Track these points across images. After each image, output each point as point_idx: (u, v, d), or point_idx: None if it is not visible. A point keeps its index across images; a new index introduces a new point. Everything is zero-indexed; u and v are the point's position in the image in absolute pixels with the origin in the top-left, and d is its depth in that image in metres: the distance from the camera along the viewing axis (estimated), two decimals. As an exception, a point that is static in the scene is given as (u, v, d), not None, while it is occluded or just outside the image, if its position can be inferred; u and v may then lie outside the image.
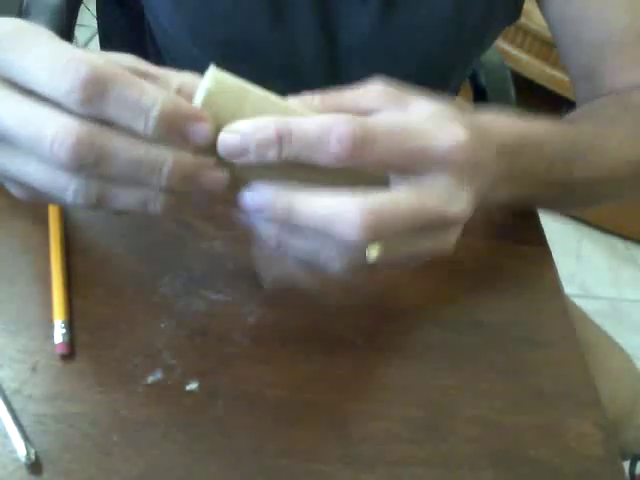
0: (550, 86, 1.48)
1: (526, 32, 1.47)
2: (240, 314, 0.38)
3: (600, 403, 0.40)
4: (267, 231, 0.32)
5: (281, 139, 0.29)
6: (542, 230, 0.51)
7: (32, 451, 0.30)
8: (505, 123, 0.40)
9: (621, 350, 0.67)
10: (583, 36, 0.54)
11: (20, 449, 0.30)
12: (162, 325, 0.37)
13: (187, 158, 0.29)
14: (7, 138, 0.29)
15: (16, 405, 0.32)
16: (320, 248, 0.31)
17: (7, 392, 0.32)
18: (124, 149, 0.28)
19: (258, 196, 0.30)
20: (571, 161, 0.44)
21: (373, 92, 0.33)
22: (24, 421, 0.31)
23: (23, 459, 0.30)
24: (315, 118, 0.29)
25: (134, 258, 0.40)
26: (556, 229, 1.69)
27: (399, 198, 0.30)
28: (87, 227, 0.40)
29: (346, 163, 0.29)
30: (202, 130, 0.29)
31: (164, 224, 0.42)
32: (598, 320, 0.67)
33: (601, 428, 0.38)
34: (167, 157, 0.28)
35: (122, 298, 0.37)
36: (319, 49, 0.56)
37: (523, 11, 0.61)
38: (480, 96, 0.79)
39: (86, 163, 0.27)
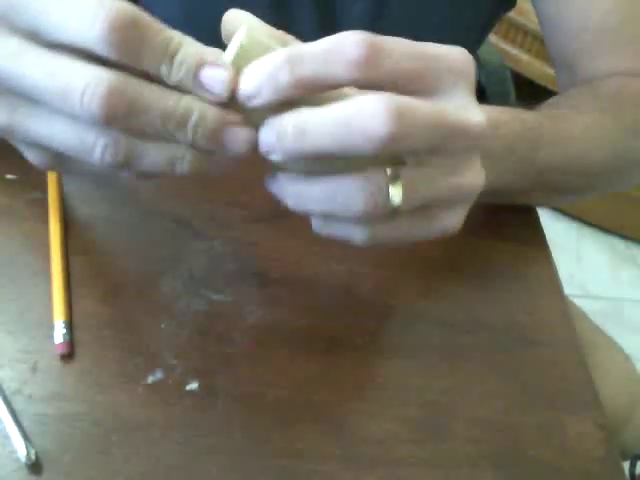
0: (550, 86, 1.48)
1: (526, 32, 1.47)
2: (240, 314, 0.38)
3: (600, 403, 0.40)
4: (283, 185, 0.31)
5: (291, 60, 0.27)
6: (542, 230, 0.51)
7: (32, 451, 0.30)
8: None
9: (621, 350, 0.67)
10: (565, 20, 0.54)
11: (20, 449, 0.30)
12: (162, 325, 0.37)
13: (212, 111, 0.28)
14: (30, 95, 0.27)
15: (16, 405, 0.32)
16: (338, 190, 0.30)
17: (7, 392, 0.32)
18: (156, 100, 0.27)
19: (269, 129, 0.28)
20: (535, 146, 0.44)
21: None
22: (24, 421, 0.31)
23: (23, 459, 0.30)
24: (322, 41, 0.28)
25: (134, 258, 0.40)
26: (556, 229, 1.70)
27: (421, 103, 0.28)
28: (87, 227, 0.40)
29: (363, 74, 0.27)
30: (221, 78, 0.27)
31: (164, 224, 0.42)
32: (598, 320, 0.67)
33: (601, 428, 0.38)
34: (194, 110, 0.28)
35: (122, 298, 0.37)
36: (319, 38, 0.56)
37: (523, 11, 0.62)
38: (480, 96, 0.79)
39: (118, 115, 0.26)
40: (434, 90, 0.29)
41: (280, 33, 0.33)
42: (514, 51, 1.51)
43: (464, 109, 0.30)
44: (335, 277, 0.42)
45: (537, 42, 1.48)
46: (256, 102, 0.28)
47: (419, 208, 0.31)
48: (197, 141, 0.28)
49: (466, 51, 0.30)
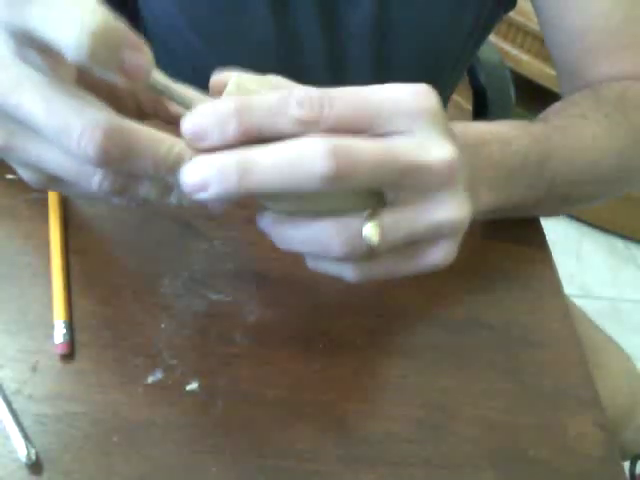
0: (550, 86, 1.48)
1: (526, 32, 1.47)
2: (240, 314, 0.38)
3: (600, 403, 0.40)
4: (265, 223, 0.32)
5: (240, 111, 0.28)
6: (542, 230, 0.51)
7: (32, 451, 0.30)
8: (462, 125, 0.39)
9: (621, 350, 0.67)
10: (565, 21, 0.54)
11: (20, 449, 0.30)
12: (162, 325, 0.37)
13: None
14: (28, 126, 0.28)
15: (16, 405, 0.32)
16: (317, 233, 0.31)
17: (7, 392, 0.32)
18: (149, 147, 0.28)
19: (199, 168, 0.28)
20: (545, 160, 0.43)
21: None
22: (24, 421, 0.31)
23: (23, 459, 0.30)
24: (274, 93, 0.29)
25: (134, 258, 0.40)
26: (556, 229, 1.70)
27: (364, 142, 0.29)
28: (87, 227, 0.40)
29: (307, 128, 0.28)
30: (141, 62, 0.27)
31: (164, 224, 0.42)
32: (598, 320, 0.67)
33: (601, 428, 0.38)
34: (185, 157, 0.29)
35: (122, 298, 0.37)
36: (320, 39, 0.56)
37: (523, 11, 0.62)
38: (480, 96, 0.79)
39: (112, 160, 0.27)
40: (386, 133, 0.30)
41: (276, 81, 0.33)
42: (514, 51, 1.51)
43: (422, 146, 0.30)
44: (335, 277, 0.42)
45: (537, 42, 1.48)
46: (203, 145, 0.29)
47: (401, 246, 0.32)
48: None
49: (427, 87, 0.30)
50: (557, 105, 0.51)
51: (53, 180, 0.31)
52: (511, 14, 0.66)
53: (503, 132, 0.42)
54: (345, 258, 0.31)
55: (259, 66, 0.34)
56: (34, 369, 0.33)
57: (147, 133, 0.28)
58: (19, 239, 0.39)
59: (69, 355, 0.34)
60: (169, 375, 0.35)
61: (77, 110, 0.27)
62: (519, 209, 0.45)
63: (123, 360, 0.35)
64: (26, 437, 0.31)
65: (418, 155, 0.30)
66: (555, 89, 1.48)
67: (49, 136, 0.27)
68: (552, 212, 0.52)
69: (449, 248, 0.33)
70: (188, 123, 0.28)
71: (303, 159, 0.28)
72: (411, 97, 0.30)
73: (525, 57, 1.51)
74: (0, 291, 0.36)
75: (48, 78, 0.27)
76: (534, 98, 1.42)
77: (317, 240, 0.31)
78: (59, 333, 0.34)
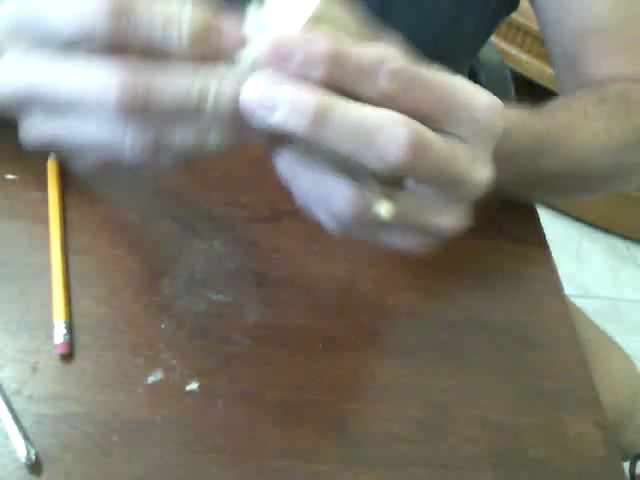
0: (550, 86, 1.48)
1: (526, 32, 1.47)
2: (240, 314, 0.38)
3: (600, 403, 0.40)
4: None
5: (333, 59, 0.26)
6: (542, 230, 0.51)
7: (32, 451, 0.30)
8: None
9: (621, 350, 0.67)
10: (565, 21, 0.54)
11: (20, 449, 0.30)
12: (162, 325, 0.37)
13: (229, 84, 0.27)
14: (57, 105, 0.28)
15: (16, 405, 0.32)
16: (327, 187, 0.29)
17: (7, 392, 0.32)
18: (170, 85, 0.27)
19: (274, 88, 0.26)
20: (538, 152, 0.44)
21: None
22: (24, 421, 0.31)
23: (23, 459, 0.30)
24: (370, 50, 0.26)
25: (134, 258, 0.40)
26: (556, 229, 1.70)
27: (441, 142, 0.28)
28: (87, 227, 0.40)
29: (389, 100, 0.27)
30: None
31: (164, 224, 0.42)
32: (598, 320, 0.67)
33: (601, 428, 0.38)
34: (211, 87, 0.27)
35: (122, 298, 0.37)
36: None
37: (523, 11, 0.62)
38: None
39: (136, 108, 0.26)
40: (451, 133, 0.29)
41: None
42: (514, 51, 1.51)
43: (474, 161, 0.29)
44: (335, 277, 0.42)
45: (537, 42, 1.48)
46: (276, 69, 0.26)
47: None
48: (220, 117, 0.27)
49: (501, 106, 0.29)
50: (561, 99, 0.51)
51: (100, 158, 0.30)
52: (511, 14, 0.66)
53: (509, 117, 0.41)
54: (346, 219, 0.30)
55: None
56: (34, 369, 0.33)
57: (163, 71, 0.27)
58: (19, 239, 0.39)
59: (69, 355, 0.34)
60: (169, 375, 0.35)
61: (90, 74, 0.27)
62: (504, 193, 0.46)
63: (123, 360, 0.35)
64: (26, 437, 0.31)
65: (469, 169, 0.29)
66: (555, 89, 1.48)
67: (73, 107, 0.27)
68: (539, 199, 0.53)
69: (458, 216, 0.32)
70: (274, 40, 0.25)
71: (384, 135, 0.26)
72: (489, 112, 0.29)
73: (525, 57, 1.51)
74: (0, 291, 0.36)
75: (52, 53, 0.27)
76: (534, 98, 1.41)
77: (327, 195, 0.29)
78: (59, 333, 0.34)
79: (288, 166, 0.29)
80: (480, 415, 0.37)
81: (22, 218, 0.40)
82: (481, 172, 0.30)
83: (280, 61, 0.25)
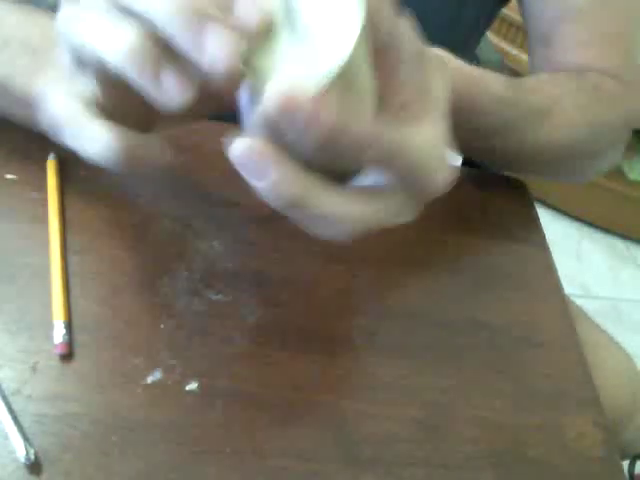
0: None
1: (526, 32, 1.47)
2: (240, 314, 0.38)
3: (600, 403, 0.40)
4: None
5: (329, 138, 0.25)
6: (542, 230, 0.51)
7: (32, 451, 0.30)
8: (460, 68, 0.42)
9: (621, 350, 0.67)
10: (543, 9, 0.56)
11: (20, 449, 0.30)
12: (162, 325, 0.37)
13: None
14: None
15: (16, 405, 0.32)
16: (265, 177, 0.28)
17: (7, 392, 0.32)
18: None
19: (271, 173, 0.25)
20: (508, 131, 0.46)
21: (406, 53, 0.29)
22: (24, 421, 0.31)
23: (23, 459, 0.30)
24: (364, 130, 0.26)
25: (134, 258, 0.40)
26: (556, 229, 1.70)
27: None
28: (87, 227, 0.40)
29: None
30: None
31: (164, 224, 0.42)
32: (598, 320, 0.67)
33: (601, 428, 0.38)
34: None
35: (121, 298, 0.37)
36: None
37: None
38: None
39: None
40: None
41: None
42: (514, 51, 1.51)
43: (396, 212, 0.30)
44: (335, 277, 0.42)
45: (537, 42, 1.48)
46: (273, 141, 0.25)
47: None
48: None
49: (445, 186, 0.30)
50: (541, 80, 0.53)
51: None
52: (511, 14, 0.67)
53: (486, 82, 0.44)
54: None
55: None
56: (34, 369, 0.33)
57: None
58: (19, 239, 0.39)
59: (68, 355, 0.34)
60: (168, 375, 0.35)
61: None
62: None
63: (122, 360, 0.35)
64: (25, 437, 0.31)
65: (389, 213, 0.30)
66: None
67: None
68: (499, 171, 0.56)
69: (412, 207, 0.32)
70: (284, 99, 0.23)
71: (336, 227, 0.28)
72: (436, 190, 0.29)
73: (525, 57, 1.51)
74: (0, 291, 0.36)
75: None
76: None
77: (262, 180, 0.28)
78: (58, 333, 0.34)
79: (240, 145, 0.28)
80: (480, 415, 0.37)
81: (22, 218, 0.40)
82: (401, 218, 0.31)
83: (281, 119, 0.24)
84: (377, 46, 0.27)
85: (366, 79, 0.27)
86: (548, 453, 0.36)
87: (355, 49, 0.23)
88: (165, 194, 0.44)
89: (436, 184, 0.29)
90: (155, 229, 0.41)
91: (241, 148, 0.25)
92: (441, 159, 0.29)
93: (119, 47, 0.27)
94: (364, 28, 0.23)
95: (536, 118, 0.48)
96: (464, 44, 0.64)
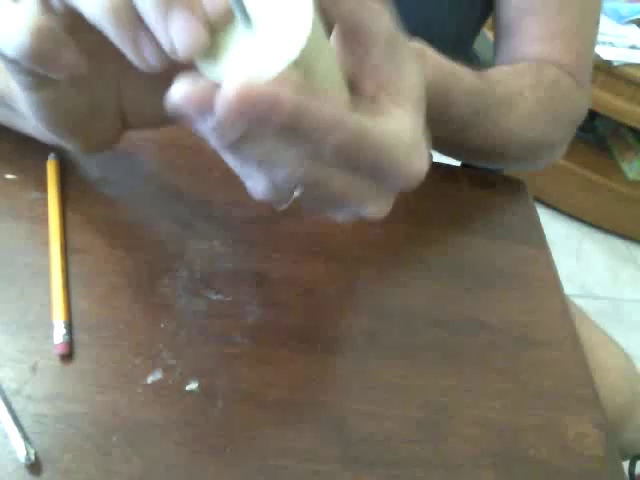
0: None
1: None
2: (240, 314, 0.38)
3: (600, 403, 0.40)
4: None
5: (291, 119, 0.24)
6: (542, 230, 0.51)
7: (32, 451, 0.30)
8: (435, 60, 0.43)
9: (621, 350, 0.67)
10: (512, 4, 0.58)
11: (20, 449, 0.30)
12: (162, 325, 0.37)
13: None
14: None
15: (16, 405, 0.32)
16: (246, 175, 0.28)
17: (7, 392, 0.32)
18: None
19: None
20: (469, 122, 0.47)
21: (376, 36, 0.28)
22: (24, 421, 0.31)
23: (23, 459, 0.30)
24: (327, 112, 0.25)
25: (134, 258, 0.40)
26: (556, 229, 1.70)
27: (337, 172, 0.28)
28: (87, 227, 0.40)
29: (327, 157, 0.26)
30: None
31: (164, 224, 0.42)
32: (598, 320, 0.67)
33: (601, 428, 0.38)
34: None
35: (122, 298, 0.37)
36: None
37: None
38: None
39: None
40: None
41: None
42: (514, 51, 1.51)
43: (370, 198, 0.29)
44: (335, 277, 0.42)
45: (537, 42, 1.48)
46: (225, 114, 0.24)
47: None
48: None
49: (420, 177, 0.29)
50: (503, 72, 0.53)
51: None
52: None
53: (459, 73, 0.45)
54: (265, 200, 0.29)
55: None
56: (34, 369, 0.33)
57: None
58: (19, 239, 0.39)
59: (68, 355, 0.34)
60: (169, 375, 0.35)
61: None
62: None
63: (123, 360, 0.35)
64: (25, 437, 0.31)
65: (361, 203, 0.29)
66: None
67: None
68: (456, 159, 0.58)
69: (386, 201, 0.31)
70: (241, 89, 0.23)
71: (286, 166, 0.27)
72: (408, 181, 0.28)
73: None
74: (0, 291, 0.36)
75: None
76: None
77: (246, 177, 0.29)
78: (58, 333, 0.34)
79: (217, 147, 0.28)
80: (480, 415, 0.37)
81: (22, 218, 0.40)
82: (374, 208, 0.30)
83: (241, 106, 0.23)
84: (345, 29, 0.27)
85: (328, 64, 0.26)
86: (548, 453, 0.36)
87: (309, 38, 0.23)
88: (165, 194, 0.44)
89: (408, 175, 0.28)
90: (155, 229, 0.41)
91: (180, 92, 0.24)
92: (414, 148, 0.28)
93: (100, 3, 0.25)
94: (317, 14, 0.24)
95: (503, 108, 0.49)
96: (456, 39, 0.64)
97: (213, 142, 0.26)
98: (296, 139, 0.25)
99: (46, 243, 0.38)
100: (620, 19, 1.61)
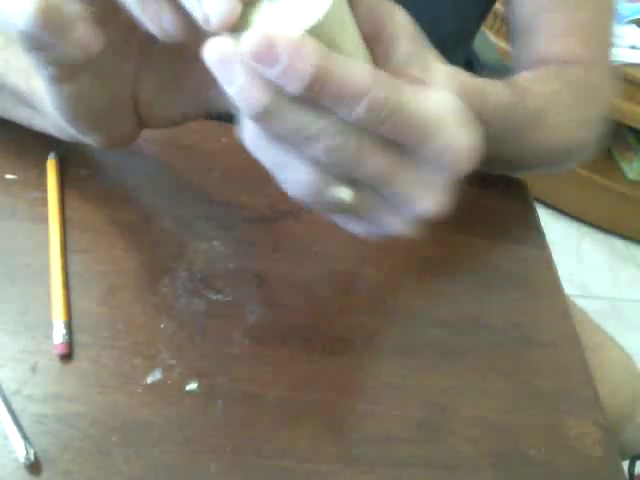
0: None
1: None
2: (240, 314, 0.38)
3: (600, 403, 0.40)
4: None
5: (318, 74, 0.23)
6: (542, 230, 0.51)
7: (31, 451, 0.30)
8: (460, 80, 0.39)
9: (621, 350, 0.67)
10: (524, 3, 0.57)
11: (19, 449, 0.30)
12: (162, 325, 0.37)
13: None
14: None
15: (16, 405, 0.32)
16: (289, 167, 0.27)
17: (7, 392, 0.32)
18: None
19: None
20: (512, 135, 0.46)
21: (401, 34, 0.28)
22: (24, 421, 0.31)
23: (22, 459, 0.30)
24: (358, 72, 0.24)
25: (134, 258, 0.40)
26: (556, 229, 1.70)
27: (382, 154, 0.26)
28: (87, 227, 0.40)
29: (362, 123, 0.25)
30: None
31: (164, 224, 0.42)
32: (598, 320, 0.67)
33: (601, 428, 0.38)
34: None
35: (121, 298, 0.37)
36: None
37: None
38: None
39: None
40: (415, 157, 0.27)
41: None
42: (514, 51, 1.51)
43: (425, 187, 0.28)
44: (335, 277, 0.42)
45: (537, 42, 1.48)
46: (255, 67, 0.24)
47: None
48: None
49: (471, 147, 0.27)
50: (531, 78, 0.52)
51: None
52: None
53: (486, 91, 0.42)
54: (303, 198, 0.28)
55: None
56: (33, 369, 0.33)
57: None
58: (19, 239, 0.39)
59: (68, 355, 0.34)
60: (168, 375, 0.35)
61: None
62: None
63: (122, 360, 0.35)
64: (25, 437, 0.31)
65: (413, 191, 0.27)
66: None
67: None
68: (495, 172, 0.57)
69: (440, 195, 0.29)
70: (263, 38, 0.23)
71: (320, 141, 0.25)
72: (459, 155, 0.26)
73: (525, 57, 1.51)
74: (0, 291, 0.36)
75: None
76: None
77: (287, 172, 0.28)
78: (58, 333, 0.34)
79: (253, 139, 0.28)
80: (480, 415, 0.37)
81: (22, 218, 0.40)
82: (429, 199, 0.28)
83: (262, 61, 0.23)
84: (366, 29, 0.27)
85: (354, 44, 0.26)
86: (548, 453, 0.36)
87: (331, 9, 0.24)
88: (165, 194, 0.44)
89: (458, 149, 0.26)
90: (155, 229, 0.41)
91: (214, 50, 0.24)
92: (460, 117, 0.26)
93: None
94: None
95: (533, 120, 0.48)
96: (456, 38, 0.64)
97: (245, 107, 0.25)
98: (328, 101, 0.24)
99: (46, 243, 0.38)
100: (620, 19, 1.61)
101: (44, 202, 0.40)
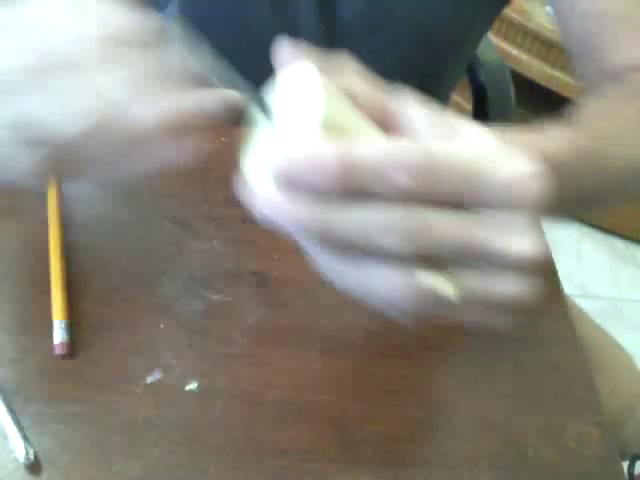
0: (550, 86, 1.48)
1: (526, 32, 1.47)
2: (240, 314, 0.38)
3: (600, 403, 0.40)
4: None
5: (343, 168, 0.24)
6: (542, 230, 0.51)
7: (31, 451, 0.30)
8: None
9: (621, 350, 0.67)
10: (580, 7, 0.54)
11: (19, 449, 0.30)
12: (161, 325, 0.37)
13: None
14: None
15: (16, 405, 0.32)
16: (377, 280, 0.28)
17: (7, 392, 0.32)
18: None
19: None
20: (585, 172, 0.42)
21: (414, 112, 0.29)
22: (24, 421, 0.31)
23: (22, 459, 0.30)
24: (381, 146, 0.25)
25: (134, 258, 0.40)
26: (556, 229, 1.70)
27: (442, 216, 0.27)
28: (87, 227, 0.40)
29: (407, 196, 0.25)
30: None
31: (164, 224, 0.42)
32: (598, 320, 0.67)
33: (601, 428, 0.38)
34: None
35: (122, 298, 0.37)
36: (318, 31, 0.56)
37: (523, 11, 0.62)
38: (480, 96, 0.79)
39: None
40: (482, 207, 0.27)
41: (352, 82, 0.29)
42: (514, 51, 1.51)
43: (505, 231, 0.27)
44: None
45: (537, 42, 1.48)
46: (289, 190, 0.25)
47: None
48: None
49: (541, 172, 0.26)
50: (594, 103, 0.47)
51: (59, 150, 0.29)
52: (511, 14, 0.66)
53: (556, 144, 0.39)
54: (405, 306, 0.29)
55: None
56: (33, 369, 0.33)
57: None
58: (19, 239, 0.39)
59: (68, 355, 0.34)
60: (168, 375, 0.35)
61: None
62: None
63: (122, 360, 0.35)
64: (25, 437, 0.31)
65: (493, 239, 0.27)
66: (555, 89, 1.48)
67: None
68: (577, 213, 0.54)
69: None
70: (281, 163, 0.24)
71: (383, 234, 0.25)
72: (519, 184, 0.26)
73: (525, 57, 1.51)
74: (0, 291, 0.36)
75: None
76: (534, 98, 1.41)
77: (379, 286, 0.28)
78: (58, 333, 0.34)
79: (331, 268, 0.29)
80: (480, 415, 0.37)
81: (22, 218, 0.40)
82: (519, 240, 0.27)
83: (293, 184, 0.24)
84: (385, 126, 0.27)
85: (363, 124, 0.27)
86: (548, 453, 0.36)
87: (326, 115, 0.25)
88: (165, 194, 0.44)
89: (507, 182, 0.25)
90: (155, 229, 0.41)
91: (265, 207, 0.26)
92: (502, 150, 0.26)
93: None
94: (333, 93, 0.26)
95: (606, 150, 0.43)
96: (462, 45, 0.64)
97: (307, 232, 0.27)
98: (368, 185, 0.24)
99: (46, 243, 0.38)
100: None
101: (44, 202, 0.40)
